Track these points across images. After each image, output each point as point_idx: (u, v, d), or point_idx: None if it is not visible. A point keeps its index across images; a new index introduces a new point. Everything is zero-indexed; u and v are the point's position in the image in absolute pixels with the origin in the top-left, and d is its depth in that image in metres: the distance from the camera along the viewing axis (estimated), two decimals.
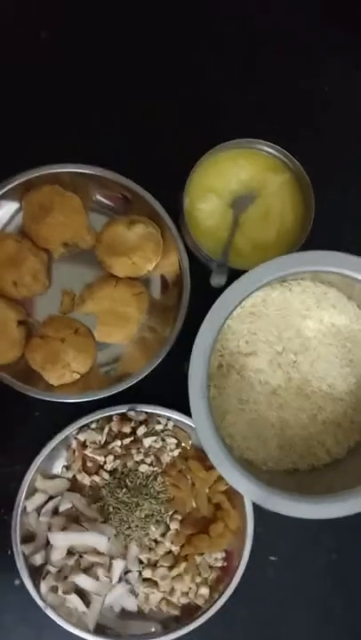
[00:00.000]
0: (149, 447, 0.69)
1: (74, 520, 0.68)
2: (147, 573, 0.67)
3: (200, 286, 0.68)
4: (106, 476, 0.68)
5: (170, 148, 0.72)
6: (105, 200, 0.72)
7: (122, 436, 0.69)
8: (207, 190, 0.70)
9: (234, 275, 0.62)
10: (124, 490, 0.68)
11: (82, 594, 0.66)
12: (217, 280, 0.66)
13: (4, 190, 0.68)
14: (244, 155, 0.70)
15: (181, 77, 0.77)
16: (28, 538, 0.68)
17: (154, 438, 0.69)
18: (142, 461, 0.68)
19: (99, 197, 0.72)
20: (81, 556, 0.67)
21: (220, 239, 0.69)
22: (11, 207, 0.70)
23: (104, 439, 0.69)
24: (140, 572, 0.68)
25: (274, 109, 0.77)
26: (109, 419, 0.70)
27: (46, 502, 0.69)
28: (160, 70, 0.76)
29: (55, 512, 0.68)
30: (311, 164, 0.69)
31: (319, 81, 0.77)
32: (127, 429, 0.69)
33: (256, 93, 0.77)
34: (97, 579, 0.66)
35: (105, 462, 0.69)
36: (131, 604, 0.68)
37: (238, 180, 0.70)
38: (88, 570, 0.67)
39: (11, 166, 0.68)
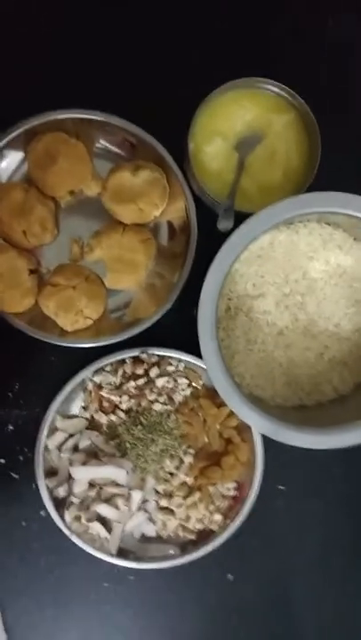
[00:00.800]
0: (162, 387, 0.72)
1: (93, 456, 0.72)
2: (163, 503, 0.72)
3: (207, 231, 0.69)
4: (122, 414, 0.72)
5: (173, 91, 0.71)
6: (109, 146, 0.72)
7: (135, 377, 0.72)
8: (212, 133, 0.69)
9: (241, 218, 0.63)
10: (139, 427, 0.71)
11: (104, 521, 0.71)
12: (224, 224, 0.67)
13: (7, 139, 0.68)
14: (247, 95, 0.69)
15: (185, 16, 0.74)
16: (51, 473, 0.72)
17: (166, 379, 0.72)
18: (156, 400, 0.72)
19: (103, 143, 0.71)
20: (101, 488, 0.71)
21: (226, 182, 0.69)
22: (15, 156, 0.70)
23: (119, 381, 0.72)
24: (157, 502, 0.72)
25: (277, 48, 0.74)
26: (123, 362, 0.72)
27: (66, 440, 0.73)
28: (163, 14, 0.74)
29: (75, 449, 0.72)
30: (317, 103, 0.68)
31: (325, 18, 0.74)
32: (140, 371, 0.72)
33: (258, 31, 0.74)
34: (117, 508, 0.71)
35: (120, 402, 0.72)
36: (150, 530, 0.73)
37: (243, 122, 0.70)
38: (108, 500, 0.71)
39: (12, 114, 0.67)
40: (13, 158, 0.70)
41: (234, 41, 0.74)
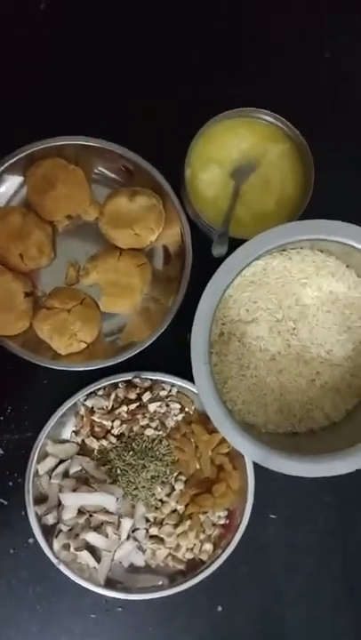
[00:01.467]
0: (154, 412, 0.72)
1: (84, 482, 0.71)
2: (153, 531, 0.71)
3: (202, 256, 0.70)
4: (113, 439, 0.71)
5: (171, 119, 0.73)
6: (107, 172, 0.73)
7: (128, 401, 0.71)
8: (208, 160, 0.71)
9: (235, 244, 0.64)
10: (130, 453, 0.71)
11: (92, 550, 0.70)
12: (218, 250, 0.68)
13: (7, 164, 0.69)
14: (244, 124, 0.71)
15: (182, 51, 0.77)
16: (40, 499, 0.71)
17: (158, 404, 0.71)
18: (148, 426, 0.71)
19: (101, 169, 0.73)
20: (91, 515, 0.70)
21: (221, 209, 0.70)
22: (15, 181, 0.72)
23: (111, 405, 0.72)
24: (147, 530, 0.71)
25: (274, 79, 0.77)
26: (115, 386, 0.72)
27: (57, 466, 0.72)
28: (161, 42, 0.76)
29: (66, 475, 0.72)
30: (311, 133, 0.70)
31: (320, 48, 0.77)
32: (133, 395, 0.71)
33: (256, 63, 0.77)
34: (106, 536, 0.70)
35: (112, 427, 0.71)
36: (139, 560, 0.72)
37: (239, 150, 0.71)
38: (98, 528, 0.70)
39: (13, 140, 0.69)
40: (12, 183, 0.72)
41: (231, 70, 0.77)
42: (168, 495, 0.72)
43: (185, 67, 0.76)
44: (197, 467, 0.72)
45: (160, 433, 0.72)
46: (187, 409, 0.73)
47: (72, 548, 0.70)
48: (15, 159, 0.69)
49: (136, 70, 0.76)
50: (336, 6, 0.78)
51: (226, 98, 0.71)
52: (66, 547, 0.70)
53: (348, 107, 0.77)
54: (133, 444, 0.71)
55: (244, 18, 0.78)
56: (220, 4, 0.77)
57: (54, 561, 0.70)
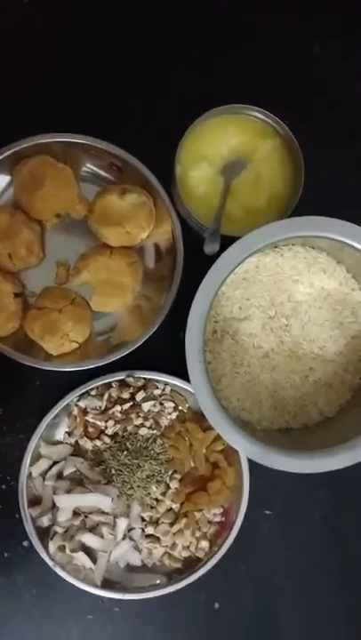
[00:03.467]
0: (148, 411, 0.71)
1: (78, 483, 0.70)
2: (149, 530, 0.71)
3: (193, 254, 0.69)
4: (107, 440, 0.71)
5: (160, 116, 0.72)
6: (96, 169, 0.72)
7: (121, 401, 0.71)
8: (198, 157, 0.71)
9: (227, 242, 0.63)
10: (125, 452, 0.70)
11: (88, 551, 0.70)
12: (210, 247, 0.67)
13: None
14: (233, 121, 0.71)
15: (172, 47, 0.76)
16: (34, 501, 0.70)
17: (152, 403, 0.71)
18: (142, 425, 0.71)
19: (90, 167, 0.72)
20: (86, 516, 0.69)
21: (211, 206, 0.70)
22: (1, 180, 0.70)
23: (104, 405, 0.71)
24: (142, 529, 0.71)
25: (262, 75, 0.76)
26: (109, 385, 0.72)
27: (50, 467, 0.71)
28: (151, 40, 0.76)
29: (60, 476, 0.71)
30: (300, 129, 0.70)
31: (308, 44, 0.77)
32: (126, 395, 0.71)
33: (245, 61, 0.77)
34: (102, 537, 0.69)
35: (106, 427, 0.71)
36: (135, 559, 0.71)
37: (229, 147, 0.71)
38: (93, 529, 0.70)
39: None
40: None
41: (221, 67, 0.76)
42: (163, 494, 0.71)
43: (174, 64, 0.75)
44: (192, 465, 0.72)
45: (154, 432, 0.71)
46: (180, 407, 0.73)
47: (68, 550, 0.69)
48: (1, 157, 0.68)
49: (126, 68, 0.75)
50: (324, 4, 0.78)
51: (215, 94, 0.70)
52: (61, 548, 0.70)
53: (337, 103, 0.77)
54: (128, 444, 0.71)
55: (235, 16, 0.77)
56: (212, 30, 0.77)
57: (50, 563, 0.69)
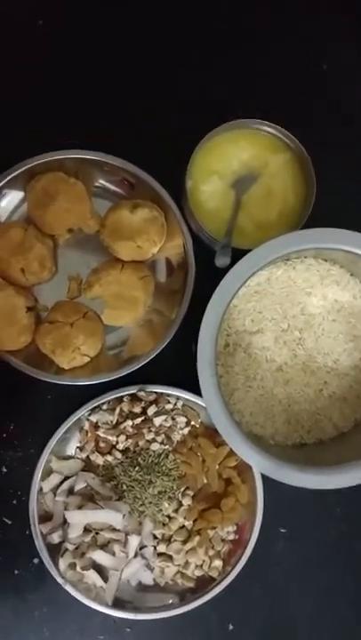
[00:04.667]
0: (160, 426, 0.70)
1: (89, 499, 0.70)
2: (161, 548, 0.70)
3: (205, 268, 0.69)
4: (118, 455, 0.70)
5: (171, 132, 0.73)
6: (108, 185, 0.73)
7: (133, 416, 0.70)
8: (209, 172, 0.71)
9: (238, 255, 0.63)
10: (136, 468, 0.69)
11: (99, 569, 0.69)
12: (221, 260, 0.67)
13: (7, 179, 0.69)
14: (244, 135, 0.71)
15: (181, 61, 0.77)
16: (45, 517, 0.70)
17: (164, 417, 0.70)
18: (153, 440, 0.70)
19: (102, 182, 0.73)
20: (97, 533, 0.69)
21: (223, 220, 0.70)
22: (15, 196, 0.71)
23: (115, 419, 0.70)
24: (154, 547, 0.70)
25: (273, 90, 0.77)
26: (120, 400, 0.71)
27: (62, 483, 0.70)
28: (161, 55, 0.77)
29: (71, 492, 0.70)
30: (311, 143, 0.70)
31: (318, 60, 0.78)
32: (138, 409, 0.70)
33: (256, 76, 0.77)
34: (113, 554, 0.68)
35: (117, 442, 0.70)
36: (147, 578, 0.70)
37: (240, 161, 0.71)
38: (105, 546, 0.69)
39: (13, 155, 0.69)
40: (13, 197, 0.71)
41: (232, 82, 0.77)
42: (176, 511, 0.70)
43: (186, 79, 0.76)
44: (205, 481, 0.71)
45: (166, 447, 0.71)
46: (193, 422, 0.72)
47: (78, 568, 0.68)
48: (15, 174, 0.69)
49: (137, 83, 0.76)
50: (336, 17, 0.78)
51: (226, 109, 0.71)
52: (72, 566, 0.69)
53: (348, 116, 0.77)
54: (139, 459, 0.70)
55: (246, 31, 0.78)
56: (221, 10, 0.77)
57: (60, 581, 0.68)
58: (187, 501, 0.70)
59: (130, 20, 0.77)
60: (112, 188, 0.73)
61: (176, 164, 0.69)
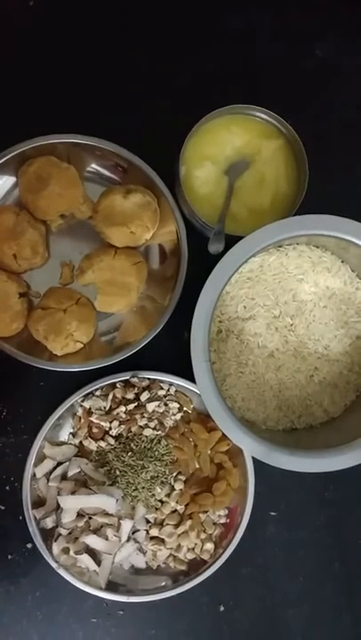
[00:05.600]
0: (153, 412, 0.71)
1: (82, 484, 0.70)
2: (154, 532, 0.70)
3: (198, 254, 0.69)
4: (111, 441, 0.70)
5: (164, 116, 0.72)
6: (101, 170, 0.72)
7: (126, 402, 0.71)
8: (202, 158, 0.71)
9: (231, 241, 0.63)
10: (129, 453, 0.70)
11: (92, 553, 0.69)
12: (214, 247, 0.67)
13: None
14: (237, 121, 0.71)
15: (175, 46, 0.76)
16: (38, 503, 0.70)
17: (157, 403, 0.71)
18: (146, 426, 0.71)
19: (94, 167, 0.72)
20: (90, 518, 0.69)
21: (216, 206, 0.70)
22: (7, 180, 0.71)
23: (109, 405, 0.71)
24: (147, 531, 0.70)
25: (267, 76, 0.77)
26: (113, 386, 0.71)
27: (55, 468, 0.71)
28: (155, 40, 0.76)
29: (64, 477, 0.70)
30: (304, 129, 0.70)
31: (312, 46, 0.77)
32: (131, 395, 0.71)
33: (248, 61, 0.77)
34: (106, 539, 0.69)
35: (110, 428, 0.71)
36: (140, 562, 0.71)
37: (233, 147, 0.71)
38: (98, 530, 0.69)
39: (5, 139, 0.68)
40: (5, 182, 0.71)
41: (225, 67, 0.76)
42: (168, 495, 0.71)
43: (178, 64, 0.76)
44: (197, 466, 0.71)
45: (159, 433, 0.71)
46: (185, 408, 0.72)
47: (72, 552, 0.69)
48: (7, 158, 0.68)
49: (129, 68, 0.76)
50: (329, 4, 0.78)
51: (219, 95, 0.70)
52: (65, 550, 0.69)
53: (340, 103, 0.77)
54: (132, 445, 0.70)
55: (238, 16, 0.77)
56: (214, 30, 0.77)
57: (54, 565, 0.69)
58: (179, 486, 0.71)
59: (124, 3, 0.76)
60: (105, 172, 0.72)
61: (169, 149, 0.69)
